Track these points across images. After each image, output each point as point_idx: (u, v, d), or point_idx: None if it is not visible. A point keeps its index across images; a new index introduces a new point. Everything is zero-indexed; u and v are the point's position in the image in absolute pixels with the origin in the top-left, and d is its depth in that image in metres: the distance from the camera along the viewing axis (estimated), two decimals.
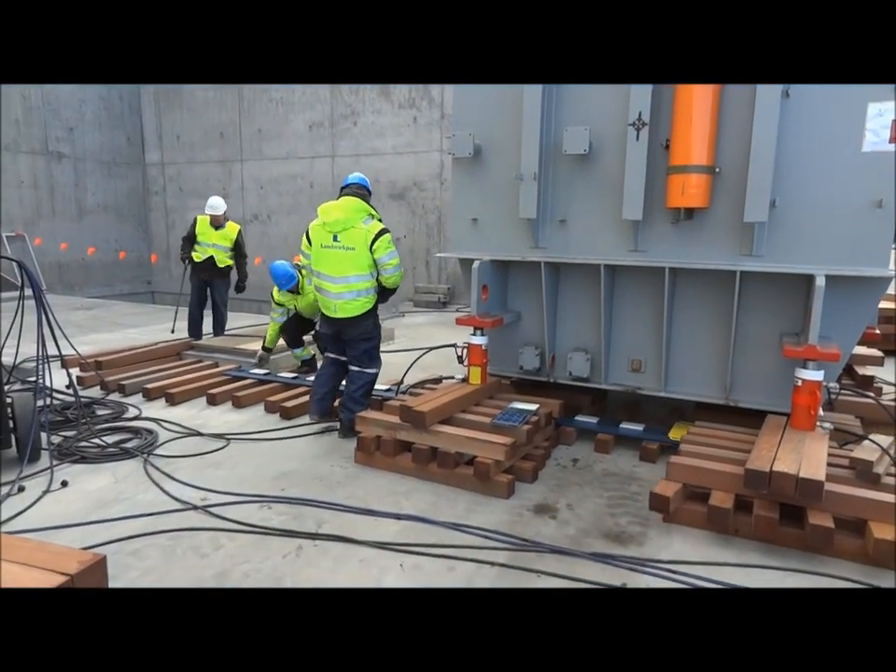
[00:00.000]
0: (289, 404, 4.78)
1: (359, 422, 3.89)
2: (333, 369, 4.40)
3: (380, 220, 4.13)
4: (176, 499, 3.37)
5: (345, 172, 11.20)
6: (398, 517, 3.17)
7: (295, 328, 5.63)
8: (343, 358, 4.37)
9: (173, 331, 7.47)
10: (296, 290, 5.45)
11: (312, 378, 4.99)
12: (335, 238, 4.04)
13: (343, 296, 4.09)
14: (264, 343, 5.84)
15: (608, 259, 4.00)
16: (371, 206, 4.14)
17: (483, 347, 4.19)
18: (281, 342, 5.88)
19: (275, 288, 5.55)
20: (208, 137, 14.02)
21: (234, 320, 8.27)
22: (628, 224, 3.89)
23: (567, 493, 3.51)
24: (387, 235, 4.03)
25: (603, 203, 3.97)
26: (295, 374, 5.56)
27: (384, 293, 4.20)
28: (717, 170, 3.60)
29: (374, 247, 4.00)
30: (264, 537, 2.99)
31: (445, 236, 11.77)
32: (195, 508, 3.27)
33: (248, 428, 4.53)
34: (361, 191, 4.13)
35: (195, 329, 7.12)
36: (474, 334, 4.17)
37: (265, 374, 5.53)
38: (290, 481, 3.63)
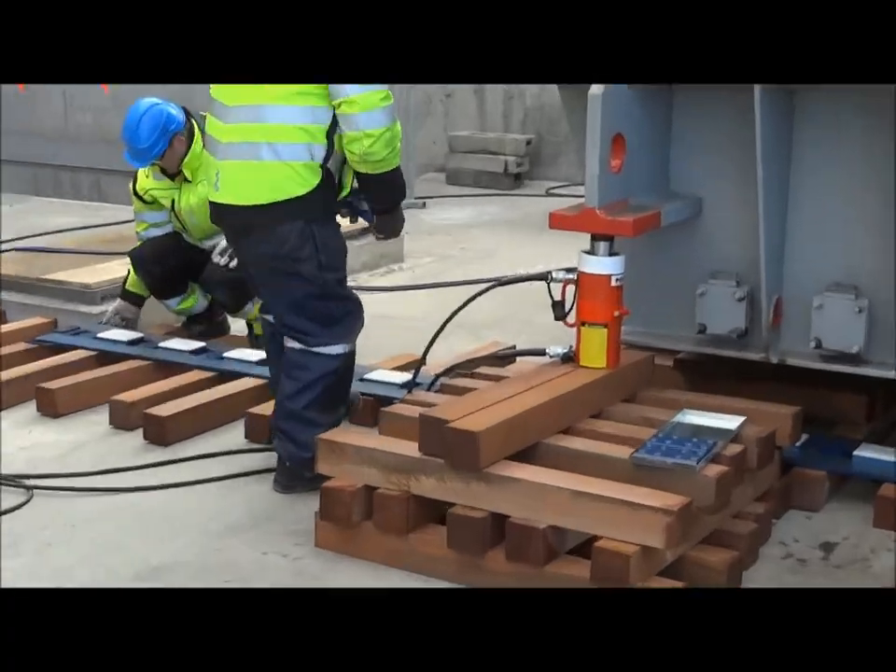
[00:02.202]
0: (167, 411, 4.94)
1: (324, 454, 3.98)
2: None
3: None
4: None
5: None
6: None
7: (166, 260, 5.80)
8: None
9: None
10: (176, 170, 5.78)
11: (235, 355, 5.50)
12: None
13: (237, 151, 4.18)
14: (125, 282, 6.21)
15: None
16: None
17: (615, 282, 4.19)
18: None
19: (140, 171, 5.95)
20: None
21: (35, 215, 8.25)
22: None
23: None
24: None
25: None
26: (200, 346, 5.79)
27: (361, 181, 4.27)
28: None
29: None
30: None
31: None
32: None
33: (76, 465, 4.69)
34: None
35: None
36: (592, 251, 4.19)
37: (128, 342, 5.82)
38: (172, 584, 3.70)
